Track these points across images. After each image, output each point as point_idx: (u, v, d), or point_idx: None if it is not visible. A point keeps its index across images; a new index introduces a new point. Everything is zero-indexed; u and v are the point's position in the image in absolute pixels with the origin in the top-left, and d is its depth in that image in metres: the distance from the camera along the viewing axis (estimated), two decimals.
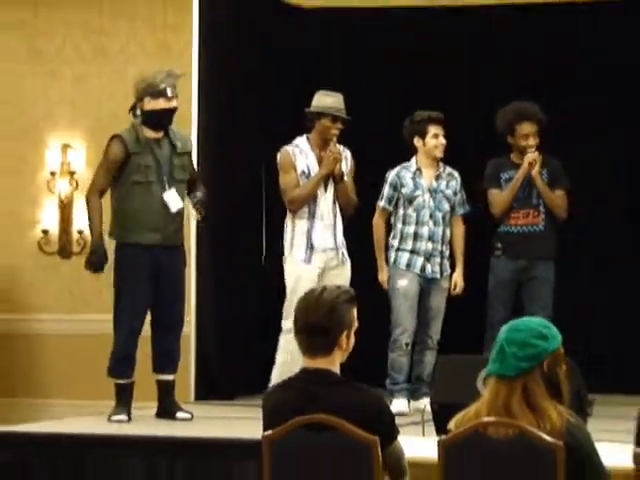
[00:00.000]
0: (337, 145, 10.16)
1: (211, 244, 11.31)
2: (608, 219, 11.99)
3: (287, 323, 10.05)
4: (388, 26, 12.52)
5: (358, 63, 12.42)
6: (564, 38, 12.19)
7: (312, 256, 10.08)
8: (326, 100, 10.18)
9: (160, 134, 9.92)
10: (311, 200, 10.08)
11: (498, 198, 10.48)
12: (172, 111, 9.91)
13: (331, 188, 10.04)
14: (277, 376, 9.97)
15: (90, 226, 9.85)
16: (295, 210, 10.09)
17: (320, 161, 10.06)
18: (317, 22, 12.63)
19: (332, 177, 10.00)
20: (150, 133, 9.87)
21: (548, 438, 5.35)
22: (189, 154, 10.17)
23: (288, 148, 10.22)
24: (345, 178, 10.20)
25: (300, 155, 10.18)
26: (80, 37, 13.79)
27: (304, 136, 10.25)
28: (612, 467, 5.67)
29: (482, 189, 10.69)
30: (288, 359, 9.99)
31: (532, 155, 10.29)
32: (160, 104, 9.78)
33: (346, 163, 10.30)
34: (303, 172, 10.12)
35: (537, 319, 5.95)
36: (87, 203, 9.91)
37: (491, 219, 10.71)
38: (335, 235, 10.19)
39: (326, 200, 10.11)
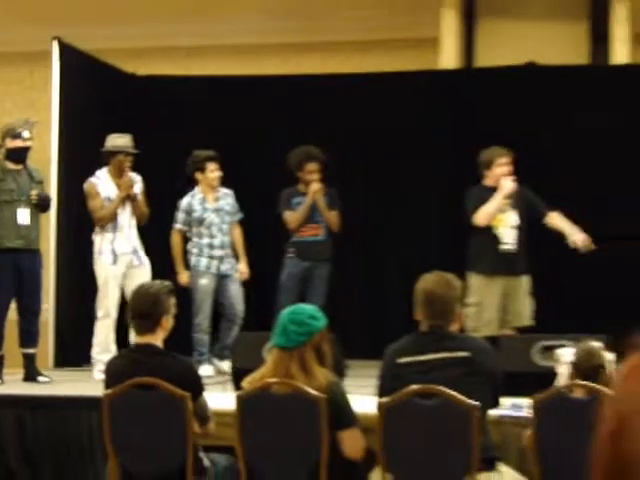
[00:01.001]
0: (130, 173, 10.19)
1: (67, 247, 11.25)
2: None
3: (100, 312, 10.18)
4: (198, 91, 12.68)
5: (174, 115, 12.42)
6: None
7: (116, 259, 10.09)
8: (119, 141, 10.27)
9: (20, 167, 9.91)
10: (113, 217, 10.11)
11: (292, 217, 10.55)
12: (27, 149, 9.94)
13: (128, 206, 10.09)
14: (96, 354, 10.00)
15: None
16: (103, 226, 10.12)
17: (118, 187, 10.10)
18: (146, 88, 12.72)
19: (128, 198, 10.06)
20: (12, 165, 9.86)
21: (315, 393, 5.54)
22: (42, 182, 10.13)
23: (92, 179, 10.21)
24: (138, 197, 10.22)
25: (102, 184, 10.18)
26: None
27: (104, 169, 10.24)
28: (363, 413, 5.81)
29: (279, 211, 10.77)
30: (103, 339, 10.09)
31: (316, 185, 10.42)
32: (18, 143, 9.82)
33: (138, 186, 10.27)
34: (107, 197, 10.11)
35: (310, 306, 6.22)
36: None
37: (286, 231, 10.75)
38: (132, 242, 10.21)
39: (124, 215, 10.14)
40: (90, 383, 8.90)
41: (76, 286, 11.26)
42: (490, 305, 9.58)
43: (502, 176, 9.73)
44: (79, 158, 11.26)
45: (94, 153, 10.39)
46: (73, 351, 11.15)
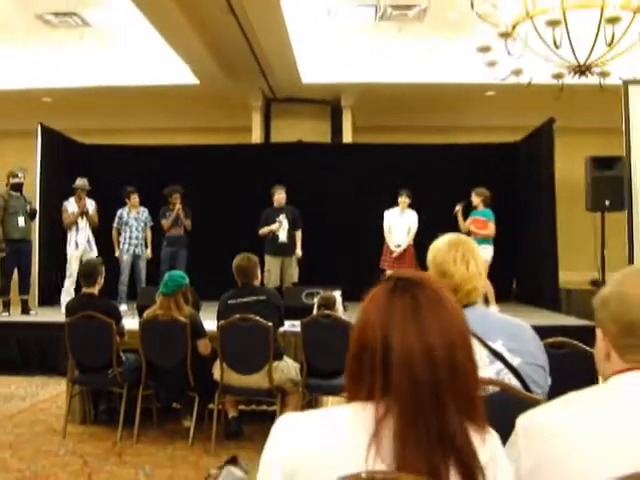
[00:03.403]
0: (86, 199, 10.06)
1: (45, 239, 10.84)
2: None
3: (67, 273, 9.97)
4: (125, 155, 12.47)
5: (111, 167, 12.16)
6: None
7: (77, 246, 9.90)
8: (79, 182, 10.08)
9: (18, 194, 9.63)
10: (75, 223, 9.93)
11: (166, 223, 10.37)
12: (21, 184, 9.65)
13: (84, 217, 9.94)
14: (63, 298, 9.67)
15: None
16: (69, 227, 9.96)
17: (78, 207, 9.94)
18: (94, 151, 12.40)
19: (82, 213, 9.92)
20: (14, 193, 9.58)
21: (183, 319, 5.50)
22: (31, 202, 9.82)
23: (65, 202, 10.03)
24: (90, 213, 10.07)
25: (70, 205, 9.99)
26: None
27: (73, 197, 10.05)
28: (210, 330, 5.71)
29: (159, 219, 10.62)
30: (67, 289, 9.91)
31: (179, 205, 10.31)
32: (16, 180, 9.58)
33: (91, 207, 10.13)
34: (72, 212, 9.95)
35: (181, 272, 6.14)
36: None
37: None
38: (86, 237, 9.98)
39: (83, 223, 9.97)
40: (59, 315, 8.57)
41: (53, 259, 10.81)
42: (274, 271, 9.74)
43: (280, 200, 9.92)
44: (52, 188, 10.88)
45: (59, 186, 10.15)
46: (49, 297, 10.68)
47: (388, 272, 9.92)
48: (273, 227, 9.80)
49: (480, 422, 1.39)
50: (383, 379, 1.36)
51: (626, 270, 1.69)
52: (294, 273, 9.90)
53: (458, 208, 9.38)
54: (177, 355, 5.62)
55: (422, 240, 9.55)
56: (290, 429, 1.42)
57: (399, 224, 10.09)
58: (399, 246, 10.04)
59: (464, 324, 1.44)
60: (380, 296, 1.44)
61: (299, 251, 9.96)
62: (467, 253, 2.65)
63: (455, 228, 8.75)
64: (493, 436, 1.44)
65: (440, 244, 2.70)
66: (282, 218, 9.87)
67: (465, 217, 9.40)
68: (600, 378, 1.71)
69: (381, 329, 1.38)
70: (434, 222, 11.11)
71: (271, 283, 9.48)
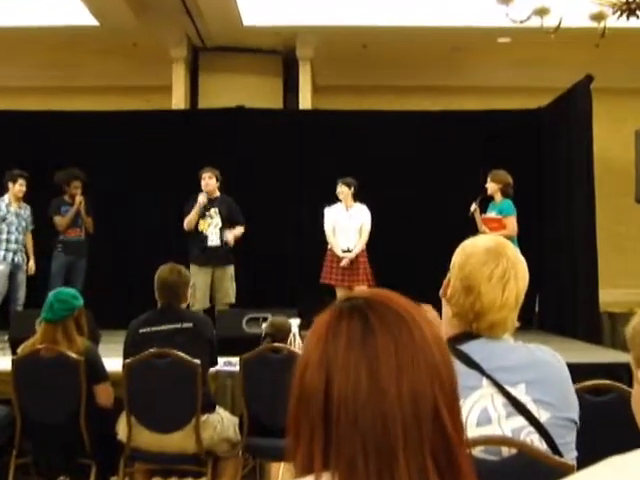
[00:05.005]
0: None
1: None
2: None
3: None
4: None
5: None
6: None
7: None
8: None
9: None
10: None
11: (62, 222, 10.36)
12: None
13: None
14: None
15: None
16: None
17: None
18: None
19: None
20: None
21: (75, 355, 5.51)
22: None
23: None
24: None
25: None
26: None
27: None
28: (113, 371, 5.72)
29: (50, 215, 10.56)
30: None
31: (79, 198, 10.40)
32: None
33: None
34: None
35: (71, 289, 6.12)
36: None
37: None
38: None
39: None
40: None
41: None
42: (200, 287, 9.66)
43: (209, 188, 9.85)
44: None
45: None
46: None
47: (339, 290, 9.98)
48: (192, 214, 9.76)
49: None
50: (324, 441, 1.33)
51: None
52: (230, 289, 9.89)
53: (474, 207, 9.42)
54: (66, 407, 5.55)
55: (395, 245, 9.57)
56: None
57: (346, 223, 10.25)
58: (348, 250, 10.18)
59: (441, 358, 1.39)
60: (323, 325, 1.42)
61: (230, 236, 9.87)
62: (509, 271, 2.56)
63: (469, 231, 8.78)
64: None
65: (475, 248, 2.61)
66: (213, 213, 9.82)
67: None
68: None
69: (323, 370, 1.36)
70: (422, 218, 11.28)
71: (198, 304, 9.40)
